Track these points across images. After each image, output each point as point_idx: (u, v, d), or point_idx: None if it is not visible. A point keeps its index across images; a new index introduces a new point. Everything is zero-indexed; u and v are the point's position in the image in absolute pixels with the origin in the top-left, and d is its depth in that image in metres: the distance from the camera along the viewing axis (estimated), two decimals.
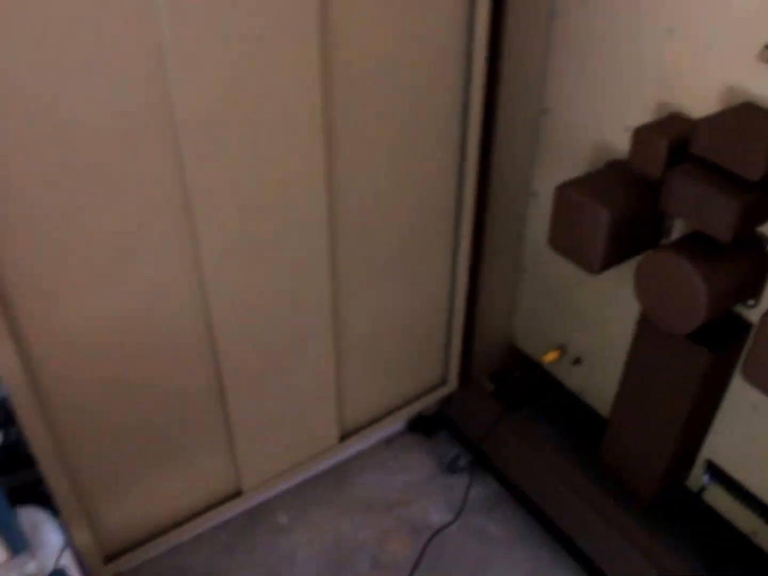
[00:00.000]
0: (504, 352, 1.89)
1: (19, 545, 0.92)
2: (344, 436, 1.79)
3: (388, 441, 2.08)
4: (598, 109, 1.46)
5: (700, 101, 1.27)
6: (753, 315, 1.33)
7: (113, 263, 1.22)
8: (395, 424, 2.02)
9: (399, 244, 1.59)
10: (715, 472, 1.51)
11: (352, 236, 1.49)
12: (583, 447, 1.72)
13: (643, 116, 1.37)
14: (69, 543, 1.17)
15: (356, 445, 1.92)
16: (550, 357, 1.74)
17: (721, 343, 1.35)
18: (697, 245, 1.24)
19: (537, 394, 1.84)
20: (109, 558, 1.51)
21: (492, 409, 1.84)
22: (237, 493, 1.65)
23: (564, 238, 1.40)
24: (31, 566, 0.86)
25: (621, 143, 1.43)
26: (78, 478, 1.37)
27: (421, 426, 2.08)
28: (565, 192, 1.37)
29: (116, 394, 1.35)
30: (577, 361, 1.71)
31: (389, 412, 1.85)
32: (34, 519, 1.16)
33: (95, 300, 1.23)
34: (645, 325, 1.43)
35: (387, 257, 1.59)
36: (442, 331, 1.82)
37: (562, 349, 1.74)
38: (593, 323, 1.64)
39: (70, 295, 1.21)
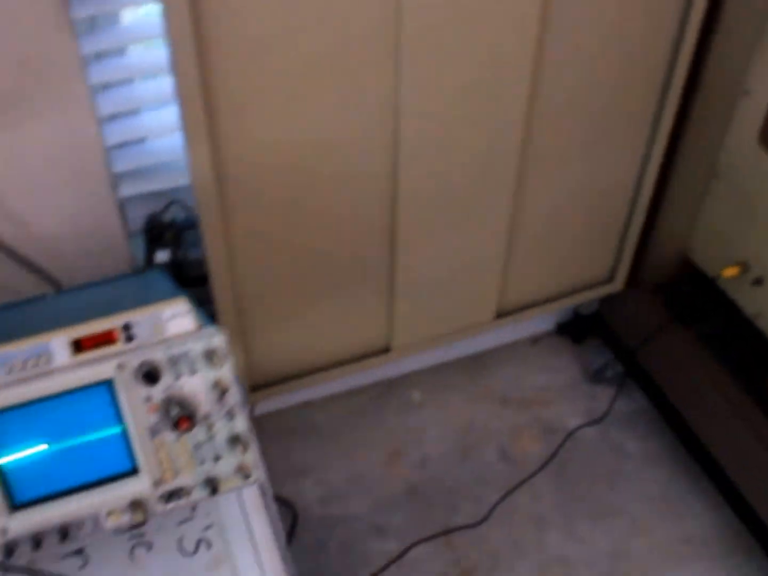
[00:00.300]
0: (676, 262, 1.78)
1: (204, 321, 0.91)
2: (500, 315, 1.73)
3: (534, 340, 2.03)
4: None
5: None
6: None
7: (317, 82, 1.20)
8: (552, 314, 1.98)
9: (596, 123, 1.50)
10: None
11: (551, 105, 1.42)
12: (751, 374, 1.61)
13: None
14: None
15: (504, 332, 1.88)
16: (729, 273, 1.62)
17: None
18: None
19: (706, 312, 1.73)
20: (254, 388, 1.52)
21: (657, 317, 1.74)
22: (385, 350, 1.63)
23: None
24: (217, 339, 0.84)
25: None
26: (241, 301, 1.37)
27: (571, 330, 2.01)
28: None
29: (291, 219, 1.34)
30: (757, 282, 1.59)
31: (549, 300, 1.78)
32: None
33: (293, 117, 1.22)
34: None
35: (582, 135, 1.51)
36: (619, 225, 1.73)
37: (743, 266, 1.62)
38: None
39: (268, 108, 1.20)
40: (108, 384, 0.89)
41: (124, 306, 0.97)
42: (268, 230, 1.32)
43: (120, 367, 0.89)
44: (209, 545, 1.10)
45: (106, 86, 1.34)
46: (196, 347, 0.91)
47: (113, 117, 1.36)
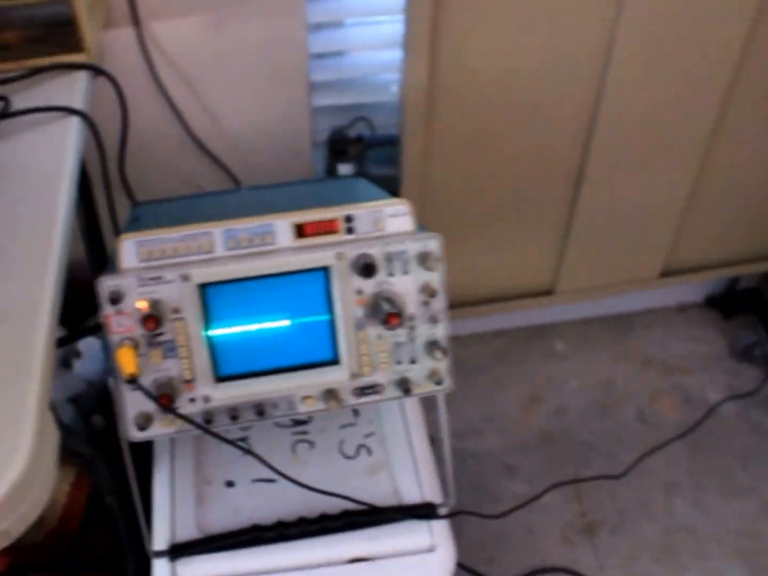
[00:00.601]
0: None
1: (419, 226, 0.92)
2: (665, 274, 1.70)
3: (681, 308, 1.99)
4: None
5: None
6: None
7: (538, 7, 1.19)
8: (704, 285, 1.94)
9: None
10: None
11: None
12: None
13: None
14: None
15: (653, 296, 1.86)
16: None
17: None
18: None
19: None
20: None
21: None
22: (548, 292, 1.62)
23: None
24: (433, 243, 0.90)
25: None
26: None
27: (722, 303, 1.96)
28: None
29: (484, 147, 1.34)
30: None
31: (717, 266, 1.74)
32: None
33: (509, 41, 1.23)
34: None
35: None
36: None
37: None
38: None
39: (488, 31, 1.21)
40: (324, 271, 0.91)
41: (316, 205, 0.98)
42: (460, 155, 1.32)
43: (339, 256, 0.91)
44: (369, 452, 1.12)
45: None
46: (413, 248, 0.92)
47: (318, 26, 1.38)
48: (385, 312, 0.90)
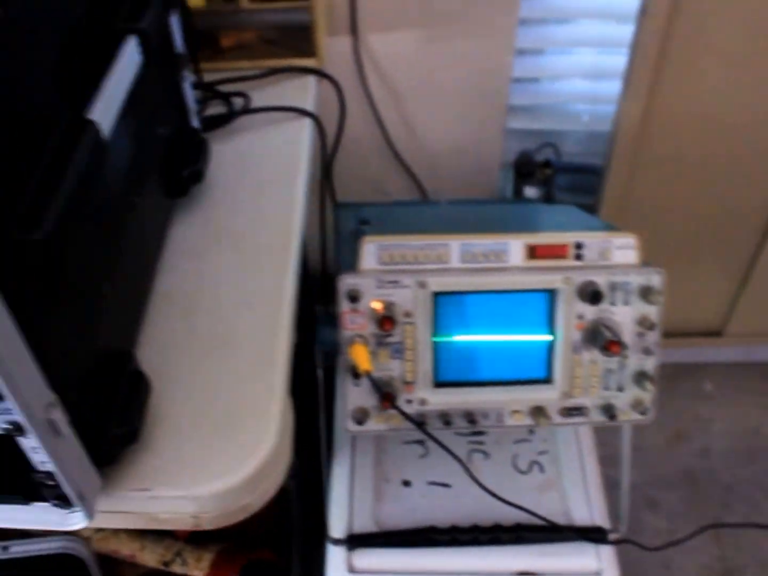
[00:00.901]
0: None
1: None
2: None
3: None
4: None
5: None
6: None
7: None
8: None
9: None
10: None
11: None
12: None
13: None
14: None
15: None
16: None
17: None
18: None
19: None
20: None
21: None
22: (716, 333, 1.63)
23: None
24: (656, 279, 0.95)
25: None
26: None
27: None
28: None
29: (686, 182, 1.36)
30: None
31: None
32: None
33: (730, 85, 1.24)
34: None
35: None
36: None
37: None
38: None
39: (713, 73, 1.22)
40: (550, 293, 0.95)
41: (534, 228, 1.02)
42: (657, 190, 1.34)
43: (566, 280, 0.94)
44: (542, 469, 1.16)
45: (524, 21, 1.39)
46: (636, 280, 0.95)
47: (520, 52, 1.42)
48: (606, 339, 0.93)
